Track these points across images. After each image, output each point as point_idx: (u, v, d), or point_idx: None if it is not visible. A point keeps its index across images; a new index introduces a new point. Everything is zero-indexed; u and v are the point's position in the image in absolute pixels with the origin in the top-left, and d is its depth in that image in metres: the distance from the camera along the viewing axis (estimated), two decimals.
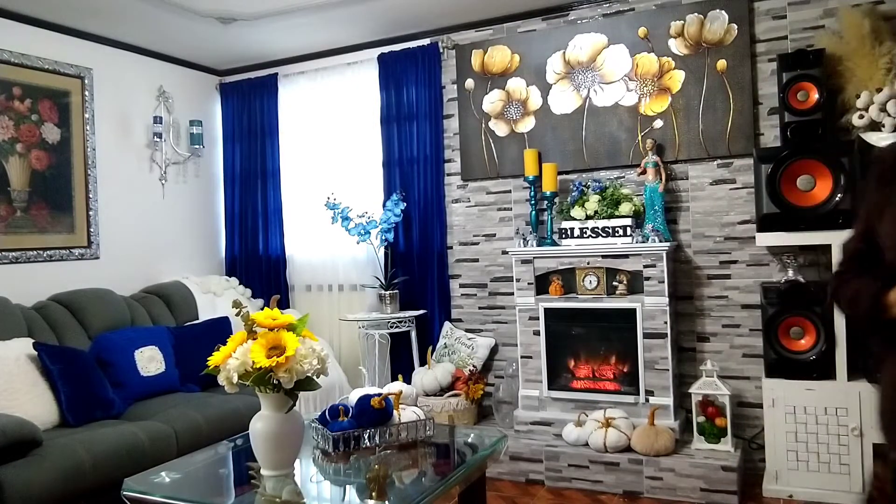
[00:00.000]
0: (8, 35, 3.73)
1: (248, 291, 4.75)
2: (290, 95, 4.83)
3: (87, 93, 4.11)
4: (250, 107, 4.92)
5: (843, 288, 1.31)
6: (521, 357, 3.81)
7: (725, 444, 3.31)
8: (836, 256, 1.34)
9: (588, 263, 3.69)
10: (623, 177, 3.87)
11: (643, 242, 3.53)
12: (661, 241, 3.50)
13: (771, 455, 3.23)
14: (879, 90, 3.09)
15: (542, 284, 3.82)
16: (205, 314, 4.26)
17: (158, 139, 4.49)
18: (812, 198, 3.18)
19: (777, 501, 3.17)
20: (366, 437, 2.29)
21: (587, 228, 3.71)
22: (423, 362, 4.20)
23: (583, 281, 3.70)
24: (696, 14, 3.65)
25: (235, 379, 1.88)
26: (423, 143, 4.33)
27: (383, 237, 4.25)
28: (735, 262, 3.63)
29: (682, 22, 3.68)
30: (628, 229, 3.61)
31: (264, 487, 2.01)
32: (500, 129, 4.17)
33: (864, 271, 1.28)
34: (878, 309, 1.19)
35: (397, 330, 4.20)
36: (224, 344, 1.95)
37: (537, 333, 3.76)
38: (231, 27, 4.13)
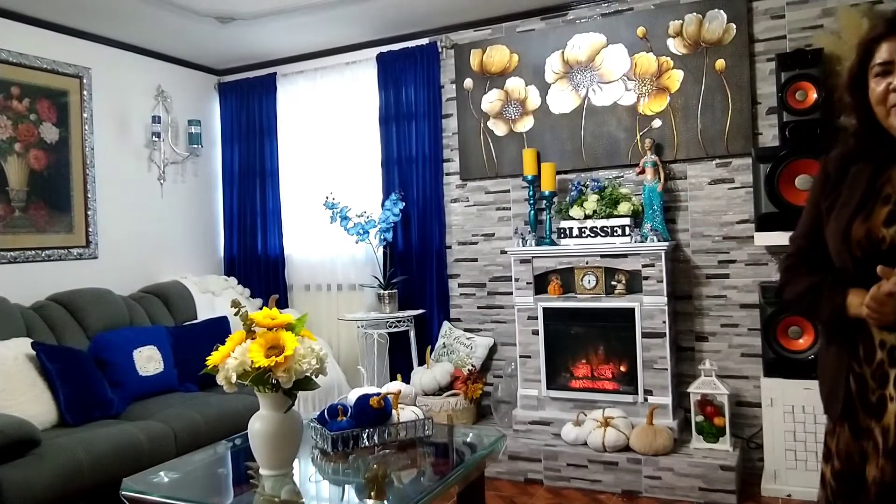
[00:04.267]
0: (6, 35, 3.72)
1: (247, 291, 4.75)
2: (288, 95, 4.83)
3: (85, 92, 4.11)
4: (249, 106, 4.92)
5: (794, 283, 1.44)
6: (520, 356, 3.81)
7: (724, 444, 3.31)
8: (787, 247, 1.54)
9: (587, 263, 3.69)
10: (622, 176, 3.87)
11: (642, 242, 3.53)
12: (659, 241, 3.51)
13: (769, 454, 3.23)
14: None
15: (540, 284, 3.82)
16: (203, 314, 4.25)
17: (157, 139, 4.49)
18: None
19: (776, 501, 3.17)
20: (364, 436, 2.29)
21: (586, 228, 3.71)
22: (421, 362, 4.20)
23: (581, 280, 3.70)
24: (694, 14, 3.65)
25: (234, 379, 1.88)
26: (422, 143, 4.33)
27: (382, 237, 4.25)
28: (734, 261, 3.63)
29: (681, 21, 3.68)
30: (627, 229, 3.61)
31: (263, 487, 2.01)
32: (499, 128, 4.17)
33: (812, 268, 1.41)
34: (840, 311, 1.31)
35: (396, 329, 4.20)
36: (223, 343, 1.95)
37: (536, 333, 3.76)
38: (230, 27, 4.13)
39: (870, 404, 1.25)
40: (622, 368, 3.65)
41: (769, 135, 3.55)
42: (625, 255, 3.58)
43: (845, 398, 1.31)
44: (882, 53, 1.26)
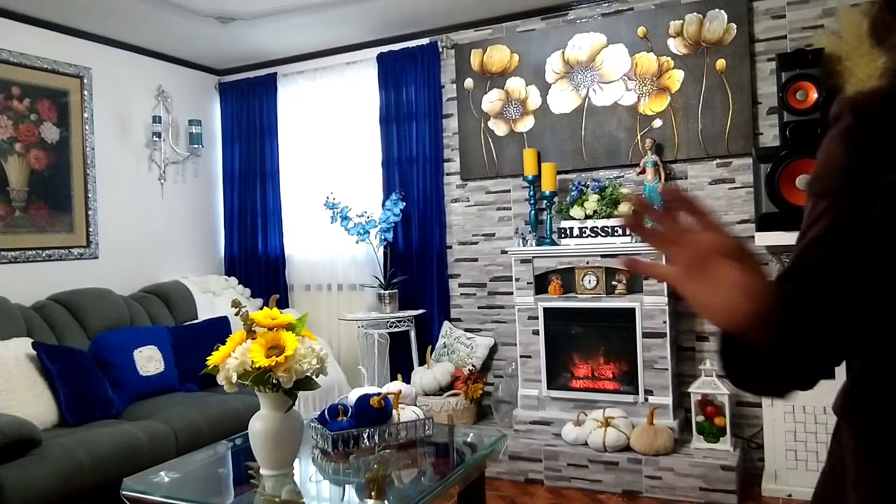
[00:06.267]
0: (7, 35, 3.72)
1: (248, 291, 4.75)
2: (289, 95, 4.83)
3: (86, 92, 4.11)
4: (249, 106, 4.92)
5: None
6: (521, 356, 3.81)
7: (724, 444, 3.31)
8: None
9: (587, 263, 3.69)
10: (622, 176, 3.87)
11: (642, 242, 3.52)
12: None
13: (770, 454, 3.23)
14: None
15: (541, 284, 3.81)
16: (204, 314, 4.25)
17: (157, 139, 4.49)
18: None
19: (776, 501, 3.17)
20: (365, 436, 2.29)
21: (586, 228, 3.70)
22: (422, 362, 4.20)
23: (582, 280, 3.70)
24: (695, 13, 3.65)
25: (234, 378, 1.88)
26: (423, 143, 4.33)
27: (382, 237, 4.25)
28: None
29: (682, 21, 3.68)
30: (627, 229, 3.60)
31: (263, 487, 2.01)
32: (500, 128, 4.17)
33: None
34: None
35: (396, 329, 4.20)
36: (223, 343, 1.95)
37: (536, 333, 3.76)
38: (230, 27, 4.13)
39: None
40: (623, 368, 3.65)
41: (770, 135, 3.55)
42: (625, 255, 3.58)
43: None
44: None
